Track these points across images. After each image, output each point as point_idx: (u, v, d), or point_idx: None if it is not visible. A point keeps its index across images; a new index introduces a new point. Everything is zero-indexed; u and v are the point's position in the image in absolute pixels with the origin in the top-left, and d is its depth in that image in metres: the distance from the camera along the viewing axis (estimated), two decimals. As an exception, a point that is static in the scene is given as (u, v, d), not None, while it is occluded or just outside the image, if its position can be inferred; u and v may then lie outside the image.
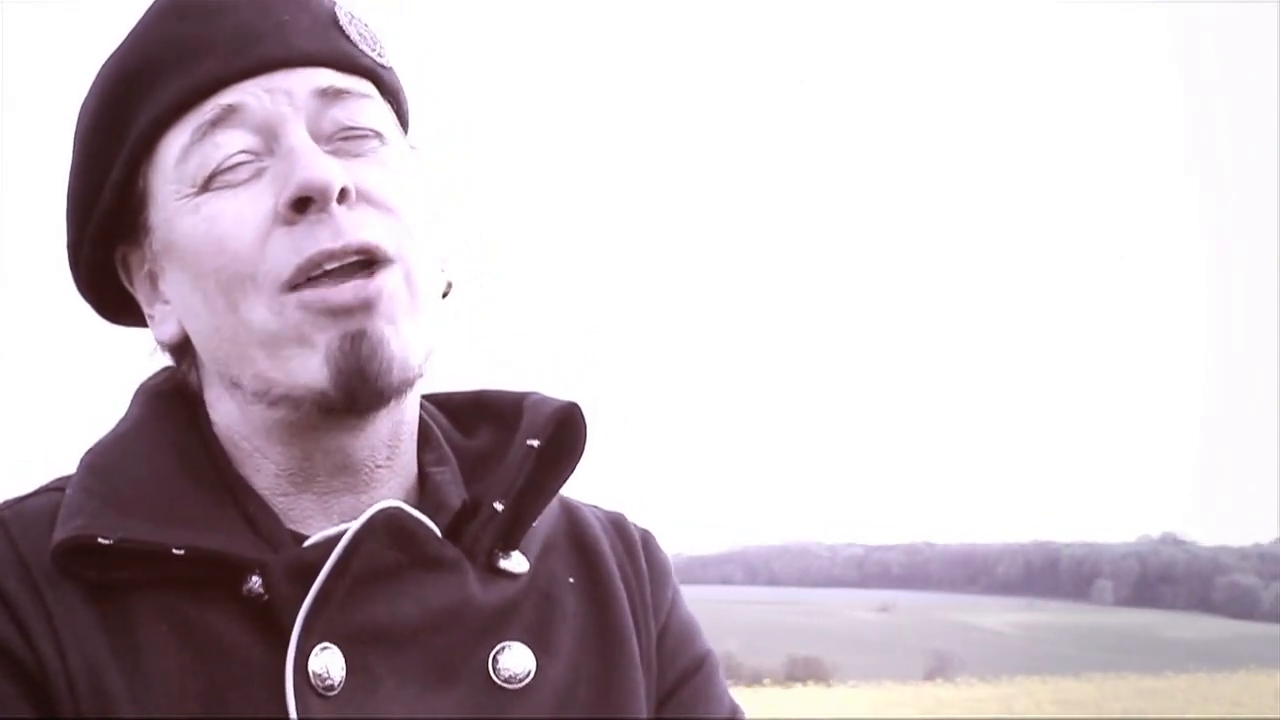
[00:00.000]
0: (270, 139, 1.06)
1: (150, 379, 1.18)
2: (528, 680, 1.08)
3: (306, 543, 1.06)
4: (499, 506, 1.11)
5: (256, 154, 1.06)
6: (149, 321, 1.14)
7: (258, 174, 1.05)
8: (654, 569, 1.23)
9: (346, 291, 1.02)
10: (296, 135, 1.05)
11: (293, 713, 0.99)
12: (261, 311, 1.03)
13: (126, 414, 1.15)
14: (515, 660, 1.08)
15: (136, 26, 1.11)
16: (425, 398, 1.21)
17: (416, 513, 1.07)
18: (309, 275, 1.02)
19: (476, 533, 1.11)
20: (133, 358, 1.19)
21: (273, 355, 1.04)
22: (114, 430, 1.13)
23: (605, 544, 1.21)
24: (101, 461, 1.09)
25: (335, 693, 1.01)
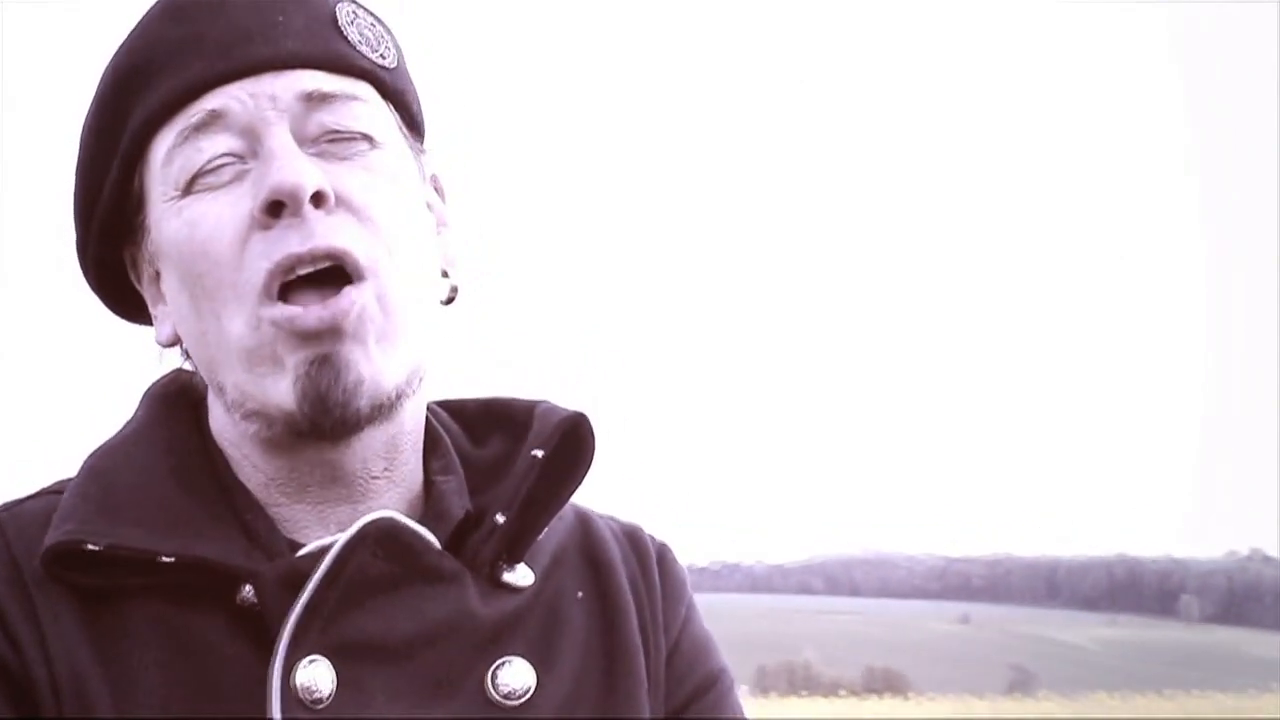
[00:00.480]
0: (254, 142, 1.05)
1: (158, 381, 1.18)
2: (527, 696, 1.06)
3: (300, 552, 1.04)
4: (501, 518, 1.10)
5: (240, 156, 1.05)
6: (153, 321, 1.15)
7: (239, 176, 1.05)
8: (668, 583, 1.21)
9: (312, 316, 1.01)
10: (276, 138, 1.04)
11: None
12: (240, 325, 1.03)
13: (132, 417, 1.15)
14: (515, 676, 1.06)
15: (135, 27, 1.11)
16: (440, 404, 1.21)
17: (412, 523, 1.06)
18: (283, 281, 1.02)
19: (478, 545, 1.10)
20: (134, 357, 1.19)
21: (250, 370, 1.04)
22: (118, 433, 1.14)
23: (618, 557, 1.20)
24: (101, 465, 1.09)
25: (323, 706, 0.99)
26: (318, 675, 1.00)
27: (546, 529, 1.14)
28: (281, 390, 1.03)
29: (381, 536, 1.04)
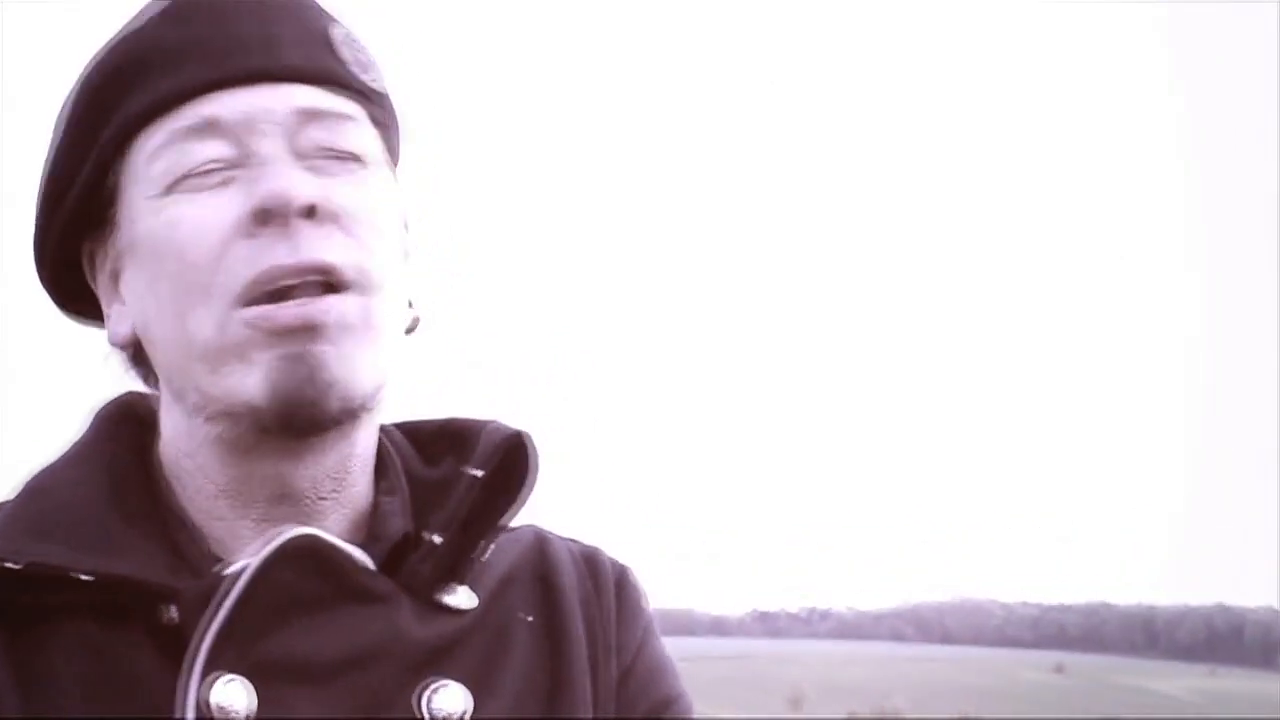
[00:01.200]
0: (244, 151, 1.04)
1: (108, 401, 1.15)
2: None
3: (226, 570, 1.01)
4: (438, 539, 1.08)
5: (229, 163, 1.04)
6: (106, 320, 1.12)
7: (226, 182, 1.03)
8: (624, 607, 1.19)
9: (289, 313, 1.00)
10: (269, 148, 1.04)
11: None
12: (209, 327, 1.01)
13: (78, 436, 1.13)
14: (449, 700, 1.03)
15: (129, 24, 1.10)
16: (397, 425, 1.20)
17: (339, 542, 1.03)
18: (264, 290, 1.00)
19: (415, 565, 1.07)
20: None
21: (214, 370, 1.02)
22: (62, 452, 1.12)
23: (572, 580, 1.17)
24: (38, 484, 1.08)
25: None
26: (233, 695, 0.97)
27: (494, 550, 1.12)
28: (249, 385, 1.00)
29: (304, 554, 1.01)
